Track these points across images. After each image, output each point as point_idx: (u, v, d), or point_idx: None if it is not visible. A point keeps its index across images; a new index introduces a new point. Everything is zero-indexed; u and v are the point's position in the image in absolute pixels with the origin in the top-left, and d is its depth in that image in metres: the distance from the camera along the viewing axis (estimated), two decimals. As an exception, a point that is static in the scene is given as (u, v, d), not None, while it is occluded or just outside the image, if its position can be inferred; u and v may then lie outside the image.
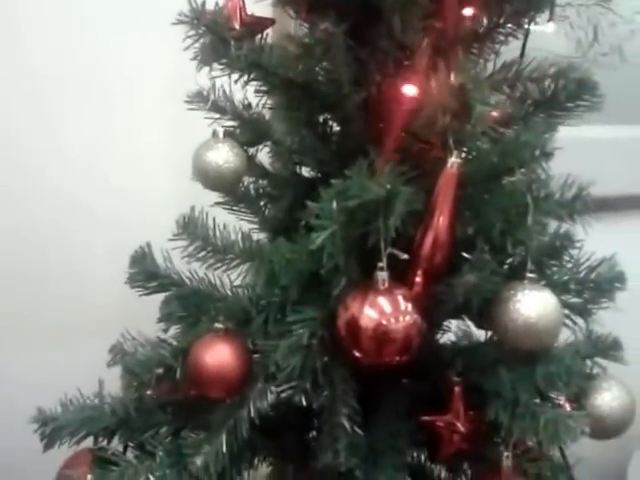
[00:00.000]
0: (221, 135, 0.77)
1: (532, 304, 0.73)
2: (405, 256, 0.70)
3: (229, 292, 0.93)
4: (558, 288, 0.85)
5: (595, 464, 1.74)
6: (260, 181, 0.97)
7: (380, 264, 0.69)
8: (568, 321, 0.88)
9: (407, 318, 0.69)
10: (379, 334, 0.69)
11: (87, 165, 1.21)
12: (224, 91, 0.93)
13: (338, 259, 0.69)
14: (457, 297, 0.70)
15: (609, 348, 0.85)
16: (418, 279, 0.73)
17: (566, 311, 0.88)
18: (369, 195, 0.66)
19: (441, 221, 0.72)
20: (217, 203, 0.95)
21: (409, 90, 0.70)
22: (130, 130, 1.24)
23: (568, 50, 1.76)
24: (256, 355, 0.82)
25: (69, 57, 1.18)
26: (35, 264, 1.20)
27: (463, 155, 0.73)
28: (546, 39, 1.57)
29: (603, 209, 1.73)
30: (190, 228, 0.82)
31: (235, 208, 0.96)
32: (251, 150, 0.97)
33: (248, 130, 0.95)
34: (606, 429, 0.88)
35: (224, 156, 0.74)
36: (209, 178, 0.74)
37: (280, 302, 0.81)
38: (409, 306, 0.70)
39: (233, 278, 0.92)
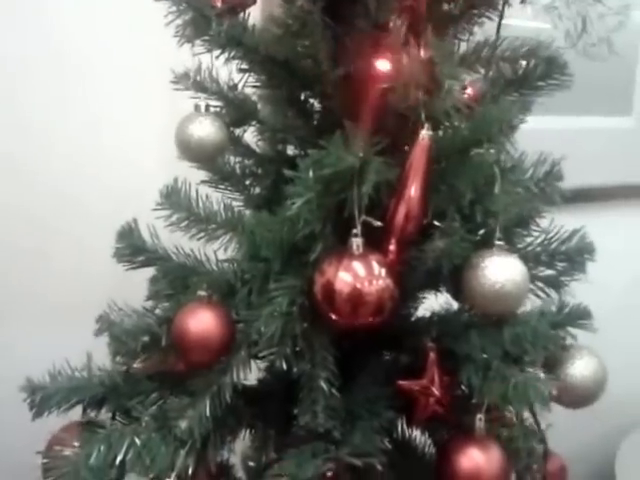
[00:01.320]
0: (203, 109, 0.79)
1: (500, 269, 0.76)
2: (378, 223, 0.73)
3: (214, 267, 0.96)
4: (530, 260, 0.88)
5: (584, 454, 1.78)
6: (246, 160, 1.00)
7: (355, 230, 0.72)
8: (541, 293, 0.91)
9: (380, 282, 0.72)
10: (353, 297, 0.72)
11: (75, 158, 1.24)
12: (210, 72, 0.96)
13: (314, 226, 0.72)
14: (428, 262, 0.74)
15: (579, 317, 0.88)
16: (392, 247, 0.76)
17: (539, 283, 0.92)
18: (343, 164, 0.69)
19: (413, 192, 0.76)
20: (203, 181, 0.98)
21: (383, 66, 0.73)
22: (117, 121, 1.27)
23: (557, 41, 1.78)
24: (240, 325, 0.85)
25: (45, 46, 1.20)
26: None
27: (435, 128, 0.76)
28: (535, 30, 1.61)
29: (587, 199, 1.77)
30: (173, 198, 0.84)
31: (221, 186, 0.99)
32: (237, 131, 1.00)
33: (234, 110, 0.97)
34: (579, 398, 0.91)
35: (206, 129, 0.78)
36: (191, 150, 0.77)
37: (263, 274, 0.84)
38: (383, 271, 0.73)
39: (218, 253, 0.95)
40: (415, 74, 0.72)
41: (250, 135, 1.02)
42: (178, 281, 0.90)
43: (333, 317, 0.74)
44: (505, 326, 0.76)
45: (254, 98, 0.99)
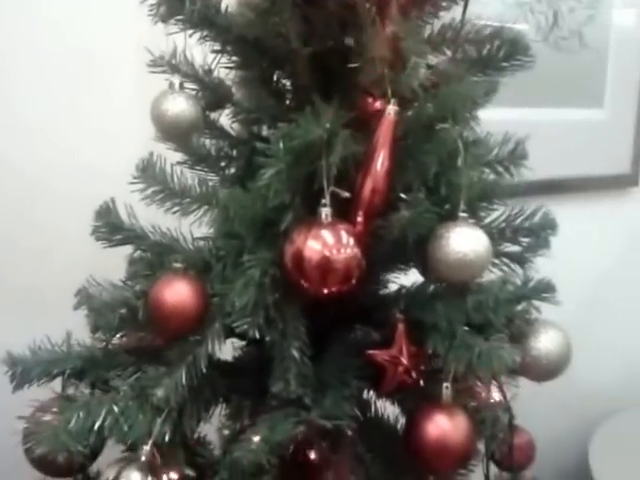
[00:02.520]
0: (177, 87, 0.82)
1: (463, 240, 0.79)
2: (347, 194, 0.76)
3: (190, 246, 0.99)
4: (495, 235, 0.91)
5: (558, 443, 1.82)
6: (221, 143, 1.03)
7: (323, 201, 0.75)
8: (506, 268, 0.95)
9: (348, 250, 0.75)
10: (322, 264, 0.75)
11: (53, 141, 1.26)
12: (185, 56, 0.99)
13: (285, 197, 0.75)
14: (394, 231, 0.76)
15: (543, 290, 0.91)
16: (359, 219, 0.79)
17: (504, 259, 0.95)
18: (311, 136, 0.72)
19: (379, 167, 0.79)
20: (179, 163, 1.01)
21: (350, 43, 0.76)
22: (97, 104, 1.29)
23: (529, 34, 1.82)
24: (215, 299, 0.88)
25: (23, 24, 1.21)
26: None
27: (401, 105, 0.80)
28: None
29: (559, 190, 1.80)
30: (148, 172, 0.87)
31: (197, 168, 1.01)
32: (213, 115, 1.03)
33: (209, 94, 1.00)
34: (544, 371, 0.95)
35: (180, 106, 0.80)
36: (165, 126, 0.80)
37: (237, 250, 0.86)
38: (351, 240, 0.76)
39: (194, 231, 0.98)
40: (381, 50, 0.74)
41: (225, 118, 1.04)
42: (155, 259, 0.93)
43: (303, 285, 0.77)
44: (468, 294, 0.79)
45: (228, 82, 1.01)
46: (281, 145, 0.73)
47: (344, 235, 0.76)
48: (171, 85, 0.82)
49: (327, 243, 0.75)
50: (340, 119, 0.74)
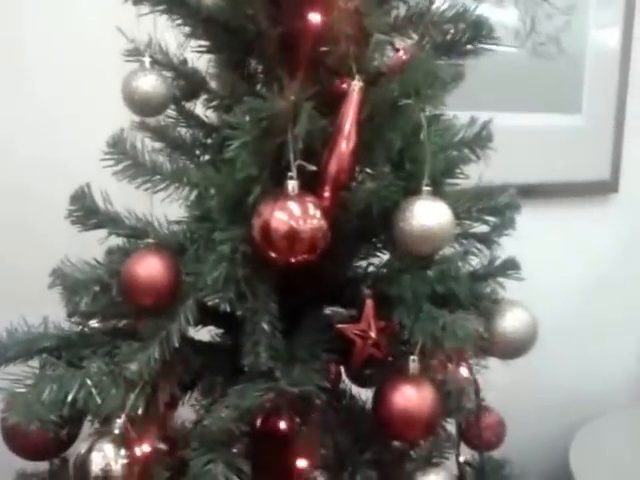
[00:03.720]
0: (147, 65, 0.85)
1: (426, 213, 0.81)
2: (313, 168, 0.79)
3: (165, 231, 1.01)
4: (462, 214, 0.94)
5: (540, 446, 1.83)
6: (196, 131, 1.05)
7: (290, 173, 0.78)
8: (473, 249, 0.97)
9: (314, 222, 0.78)
10: (289, 234, 0.77)
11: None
12: (160, 46, 1.02)
13: (252, 170, 0.78)
14: (359, 203, 0.79)
15: (508, 268, 0.93)
16: (326, 194, 0.82)
17: (472, 240, 0.98)
18: (276, 108, 0.74)
19: (344, 147, 0.81)
20: (155, 150, 1.03)
21: (315, 20, 0.79)
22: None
23: (507, 39, 1.86)
24: (189, 278, 0.90)
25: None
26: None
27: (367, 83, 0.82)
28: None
29: (537, 195, 1.83)
30: (119, 148, 0.89)
31: (173, 156, 1.04)
32: (188, 104, 1.06)
33: (184, 83, 1.03)
34: (510, 349, 0.97)
35: (150, 83, 0.83)
36: (136, 103, 0.83)
37: (210, 231, 0.89)
38: (317, 212, 0.79)
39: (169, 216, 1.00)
40: (345, 27, 0.77)
41: (201, 108, 1.07)
42: (131, 245, 0.95)
43: (272, 256, 0.79)
44: (432, 266, 0.81)
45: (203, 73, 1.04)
46: (247, 118, 0.75)
47: (310, 207, 0.78)
48: (141, 64, 0.84)
49: (293, 214, 0.77)
50: (305, 93, 0.76)
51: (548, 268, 1.90)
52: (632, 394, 2.13)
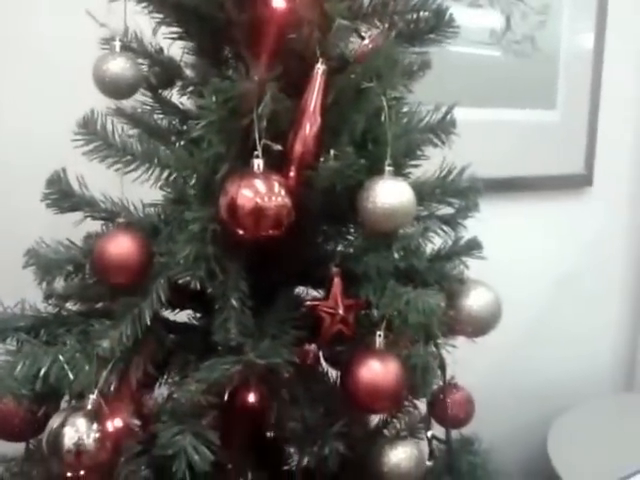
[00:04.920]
0: (118, 49, 0.88)
1: (389, 191, 0.85)
2: (278, 147, 0.82)
3: (141, 214, 1.04)
4: (426, 195, 0.97)
5: (517, 433, 1.86)
6: (172, 118, 1.08)
7: (256, 152, 0.81)
8: (438, 230, 1.00)
9: (279, 199, 0.81)
10: (254, 210, 0.80)
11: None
12: (136, 35, 1.05)
13: (219, 148, 0.80)
14: (322, 181, 0.82)
15: (472, 248, 0.97)
16: (291, 173, 0.85)
17: (437, 222, 1.01)
18: (240, 89, 0.77)
19: (308, 131, 0.84)
20: (129, 136, 1.06)
21: (280, 6, 0.82)
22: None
23: (483, 37, 1.89)
24: (162, 258, 0.93)
25: None
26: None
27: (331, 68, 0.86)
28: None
29: (513, 189, 1.86)
30: (90, 128, 0.91)
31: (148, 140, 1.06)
32: (165, 92, 1.09)
33: (160, 71, 1.06)
34: (477, 327, 1.00)
35: (120, 65, 0.86)
36: (106, 85, 0.85)
37: (183, 211, 0.91)
38: (282, 190, 0.81)
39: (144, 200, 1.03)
40: (308, 13, 0.80)
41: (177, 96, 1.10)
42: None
43: (239, 232, 0.82)
44: (394, 242, 0.84)
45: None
46: (214, 99, 0.78)
47: (275, 185, 0.81)
48: (112, 47, 0.87)
49: (259, 191, 0.80)
50: (270, 75, 0.79)
51: (525, 259, 1.94)
52: (608, 383, 2.17)
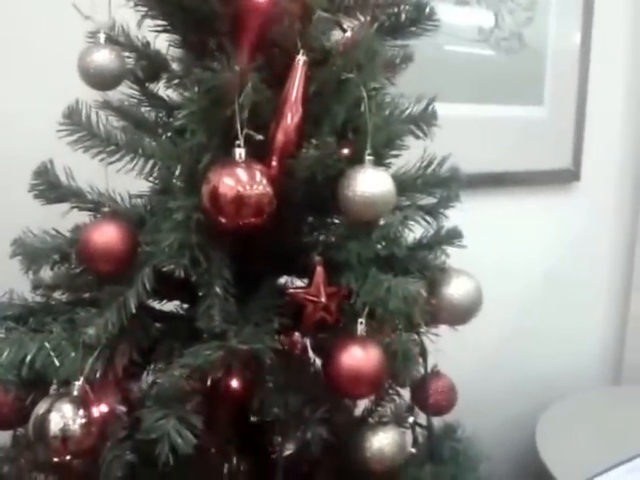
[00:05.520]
0: (102, 40, 0.89)
1: (369, 180, 0.86)
2: (260, 137, 0.83)
3: (127, 205, 1.05)
4: (408, 185, 0.98)
5: (506, 427, 1.88)
6: (158, 110, 1.10)
7: (237, 142, 0.82)
8: (421, 220, 1.02)
9: (260, 188, 0.82)
10: (235, 199, 0.81)
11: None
12: (122, 29, 1.06)
13: (201, 138, 0.82)
14: (303, 171, 0.83)
15: (453, 237, 0.98)
16: (273, 163, 0.86)
17: (419, 212, 1.02)
18: (221, 79, 0.79)
19: (289, 121, 0.86)
20: (116, 128, 1.07)
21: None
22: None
23: (471, 34, 1.91)
24: (147, 247, 0.95)
25: None
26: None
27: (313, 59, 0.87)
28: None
29: (501, 184, 1.88)
30: (74, 119, 0.93)
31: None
32: (151, 85, 1.10)
33: (147, 64, 1.07)
34: (458, 314, 1.02)
35: (103, 57, 0.87)
36: (90, 76, 0.87)
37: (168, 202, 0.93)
38: (263, 179, 0.83)
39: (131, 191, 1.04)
40: (289, 5, 0.82)
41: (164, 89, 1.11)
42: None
43: (221, 220, 0.83)
44: (374, 231, 0.86)
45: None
46: (196, 89, 0.80)
47: (257, 174, 0.83)
48: (96, 39, 0.88)
49: (240, 180, 0.82)
50: (251, 66, 0.81)
51: (513, 254, 1.96)
52: (595, 377, 2.19)
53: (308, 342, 1.03)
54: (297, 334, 1.02)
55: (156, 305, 1.05)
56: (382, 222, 0.87)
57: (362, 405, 1.11)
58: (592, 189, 2.08)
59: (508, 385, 2.01)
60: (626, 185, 2.16)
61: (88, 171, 1.00)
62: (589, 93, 2.02)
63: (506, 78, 1.96)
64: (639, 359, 2.21)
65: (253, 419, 0.91)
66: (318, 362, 1.02)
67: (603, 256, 2.17)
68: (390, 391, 1.11)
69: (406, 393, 1.12)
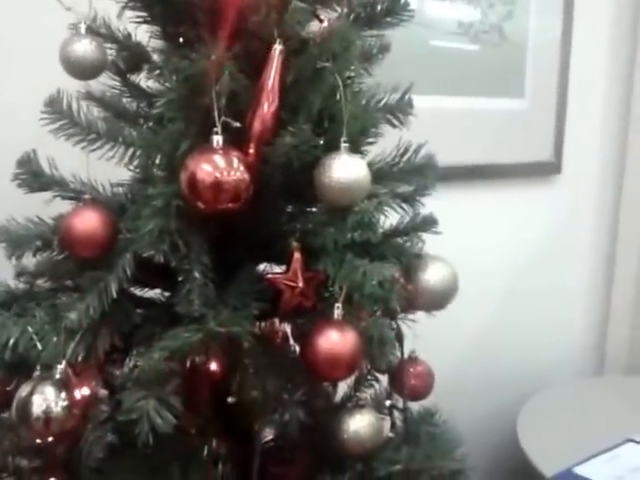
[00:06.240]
0: (83, 31, 0.91)
1: (345, 167, 0.88)
2: (237, 124, 0.85)
3: (109, 193, 1.07)
4: (385, 173, 1.01)
5: (487, 417, 1.91)
6: (139, 101, 1.11)
7: (215, 129, 0.84)
8: (397, 207, 1.04)
9: (238, 174, 0.84)
10: (213, 185, 0.83)
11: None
12: (104, 20, 1.08)
13: (179, 125, 0.84)
14: (279, 157, 0.85)
15: (428, 224, 1.01)
16: (251, 150, 0.88)
17: (396, 199, 1.05)
18: (198, 67, 0.81)
19: (266, 109, 0.88)
20: (98, 117, 1.09)
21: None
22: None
23: (451, 27, 1.93)
24: (128, 235, 0.96)
25: None
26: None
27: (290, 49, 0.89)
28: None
29: (483, 176, 1.91)
30: (55, 107, 0.95)
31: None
32: (133, 76, 1.12)
33: (128, 55, 1.09)
34: (434, 300, 1.04)
35: (84, 46, 0.89)
36: (72, 66, 0.89)
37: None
38: (240, 165, 0.85)
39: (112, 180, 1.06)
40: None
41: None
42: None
43: (200, 206, 0.85)
44: (349, 216, 0.88)
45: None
46: (174, 78, 0.81)
47: (234, 160, 0.85)
48: (77, 29, 0.90)
49: (218, 166, 0.84)
50: (228, 55, 0.83)
51: (494, 245, 1.98)
52: (577, 368, 2.22)
53: (288, 329, 1.05)
54: (277, 322, 1.04)
55: (137, 293, 1.06)
56: (357, 208, 0.88)
57: (341, 391, 1.13)
58: (573, 181, 2.11)
59: (489, 376, 2.04)
60: (607, 177, 2.19)
61: (71, 161, 1.01)
62: (570, 85, 2.04)
63: (487, 71, 1.98)
64: (620, 350, 2.23)
65: (232, 401, 0.93)
66: (297, 348, 1.05)
67: (585, 247, 2.20)
68: (369, 377, 1.13)
69: (385, 380, 1.14)
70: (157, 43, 1.06)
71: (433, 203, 1.08)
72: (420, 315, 1.08)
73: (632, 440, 1.65)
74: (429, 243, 1.10)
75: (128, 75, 1.12)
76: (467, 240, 1.80)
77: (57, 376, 0.89)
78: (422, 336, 1.08)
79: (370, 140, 0.94)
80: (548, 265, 2.09)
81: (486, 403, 2.00)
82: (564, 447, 1.65)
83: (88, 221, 0.89)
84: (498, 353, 2.06)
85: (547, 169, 2.09)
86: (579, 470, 1.51)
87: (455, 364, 1.95)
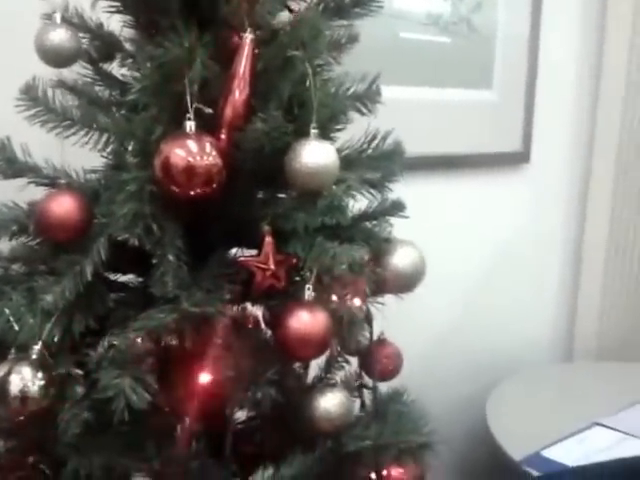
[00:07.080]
0: (58, 20, 0.93)
1: (314, 152, 0.91)
2: (209, 110, 0.88)
3: (82, 180, 1.09)
4: (354, 160, 1.04)
5: (457, 403, 1.94)
6: (112, 89, 1.13)
7: (188, 115, 0.87)
8: (365, 193, 1.07)
9: (210, 158, 0.87)
10: (186, 169, 0.86)
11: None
12: (76, 10, 1.10)
13: (152, 110, 0.86)
14: (251, 143, 0.88)
15: (396, 208, 1.04)
16: (223, 136, 0.91)
17: (364, 185, 1.08)
18: (171, 55, 0.83)
19: (237, 96, 0.91)
20: (72, 105, 1.11)
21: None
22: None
23: (421, 18, 1.96)
24: (103, 220, 0.99)
25: None
26: None
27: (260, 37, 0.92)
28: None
29: (451, 167, 1.94)
30: (31, 94, 0.97)
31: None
32: (105, 65, 1.14)
33: (101, 45, 1.11)
34: (402, 282, 1.07)
35: (59, 35, 0.91)
36: (47, 54, 0.91)
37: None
38: (213, 150, 0.88)
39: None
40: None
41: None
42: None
43: (173, 190, 0.88)
44: (319, 200, 0.91)
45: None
46: (148, 65, 0.84)
47: (207, 145, 0.87)
48: (52, 18, 0.92)
49: (191, 151, 0.86)
50: (200, 42, 0.85)
51: (463, 234, 2.02)
52: (546, 353, 2.26)
53: (260, 313, 1.08)
54: (249, 306, 1.07)
55: (112, 277, 1.09)
56: (327, 193, 0.90)
57: (313, 373, 1.16)
58: (541, 171, 2.15)
59: (459, 362, 2.07)
60: (575, 166, 2.23)
61: (44, 148, 1.03)
62: (538, 77, 2.07)
63: (456, 62, 2.01)
64: (589, 336, 2.28)
65: (205, 381, 0.96)
66: (269, 331, 1.07)
67: (552, 237, 2.24)
68: (339, 359, 1.16)
69: (355, 362, 1.17)
70: (130, 32, 1.08)
71: (402, 192, 1.11)
72: (390, 300, 1.11)
73: (599, 424, 1.69)
74: (397, 232, 1.13)
75: (100, 64, 1.13)
76: (436, 229, 1.83)
77: (34, 356, 0.91)
78: (392, 322, 1.11)
79: (339, 127, 0.97)
80: (518, 252, 2.13)
81: (456, 388, 2.04)
82: (533, 431, 1.69)
83: (63, 205, 0.91)
84: (469, 339, 2.09)
85: (516, 159, 2.13)
86: (547, 453, 1.55)
87: (425, 350, 1.98)
